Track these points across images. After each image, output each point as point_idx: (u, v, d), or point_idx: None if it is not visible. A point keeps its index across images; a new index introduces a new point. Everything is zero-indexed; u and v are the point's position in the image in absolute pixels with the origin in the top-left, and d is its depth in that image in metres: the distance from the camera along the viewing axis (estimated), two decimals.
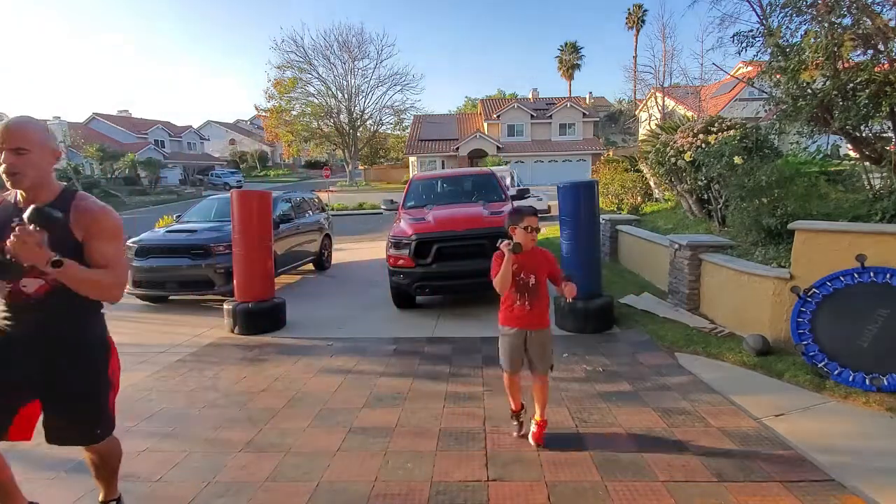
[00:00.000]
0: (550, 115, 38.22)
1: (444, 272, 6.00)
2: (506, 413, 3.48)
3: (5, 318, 1.91)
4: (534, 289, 2.91)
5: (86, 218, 1.90)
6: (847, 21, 5.17)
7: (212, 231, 7.23)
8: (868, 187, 5.74)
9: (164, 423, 3.55)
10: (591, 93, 59.34)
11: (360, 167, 45.23)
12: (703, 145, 7.54)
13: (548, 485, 2.63)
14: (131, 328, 6.15)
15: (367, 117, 42.60)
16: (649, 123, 26.34)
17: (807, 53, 5.24)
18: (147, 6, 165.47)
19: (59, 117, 38.18)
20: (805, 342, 3.83)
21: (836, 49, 5.07)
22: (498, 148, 36.38)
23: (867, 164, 5.76)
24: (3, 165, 1.76)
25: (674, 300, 5.97)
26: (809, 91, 5.47)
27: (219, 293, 6.76)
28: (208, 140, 57.40)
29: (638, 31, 44.33)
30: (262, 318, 5.79)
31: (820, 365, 3.71)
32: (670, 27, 55.03)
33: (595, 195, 5.45)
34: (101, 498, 2.35)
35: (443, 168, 34.45)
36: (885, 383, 3.41)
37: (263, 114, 44.08)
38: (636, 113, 37.97)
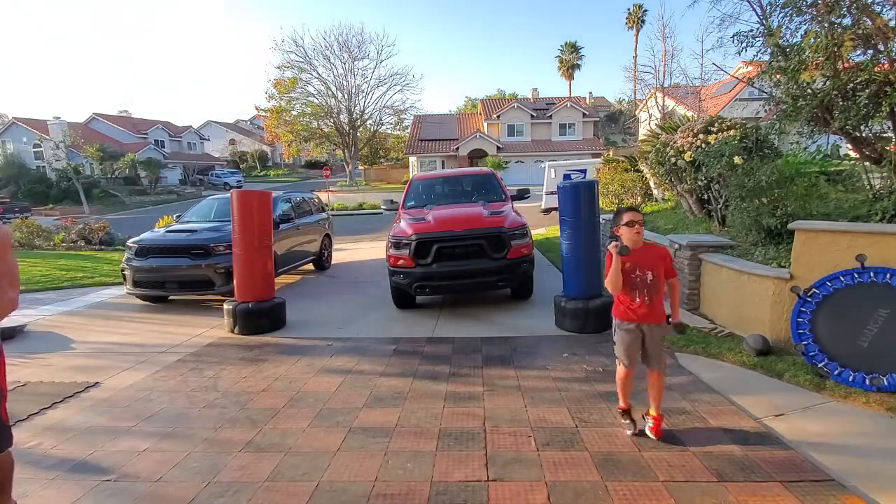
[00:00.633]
0: (550, 116, 38.25)
1: (444, 272, 6.00)
2: (505, 413, 3.48)
3: None
4: (652, 284, 2.96)
5: None
6: (847, 21, 5.16)
7: (212, 231, 7.23)
8: (868, 187, 5.74)
9: (164, 423, 3.55)
10: (591, 93, 59.47)
11: (360, 167, 45.22)
12: (703, 145, 7.53)
13: (548, 485, 2.63)
14: (131, 328, 6.15)
15: (367, 117, 42.61)
16: (649, 123, 26.35)
17: (807, 53, 5.23)
18: (148, 6, 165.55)
19: (59, 117, 38.15)
20: (805, 342, 3.83)
21: (836, 49, 5.06)
22: (498, 148, 36.40)
23: (867, 164, 5.76)
24: None
25: None
26: (809, 91, 5.47)
27: (219, 293, 6.76)
28: (208, 140, 57.41)
29: (638, 31, 44.34)
30: (262, 318, 5.79)
31: (820, 365, 3.71)
32: (670, 27, 55.08)
33: (595, 195, 5.45)
34: None
35: (443, 168, 34.46)
36: (885, 383, 3.41)
37: (263, 114, 44.05)
38: (636, 113, 37.97)
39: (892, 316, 3.55)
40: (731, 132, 7.29)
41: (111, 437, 3.38)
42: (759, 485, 2.56)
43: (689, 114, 18.27)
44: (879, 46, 5.10)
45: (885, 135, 5.91)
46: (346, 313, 6.49)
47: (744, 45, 5.98)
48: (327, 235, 9.97)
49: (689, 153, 7.78)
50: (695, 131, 7.97)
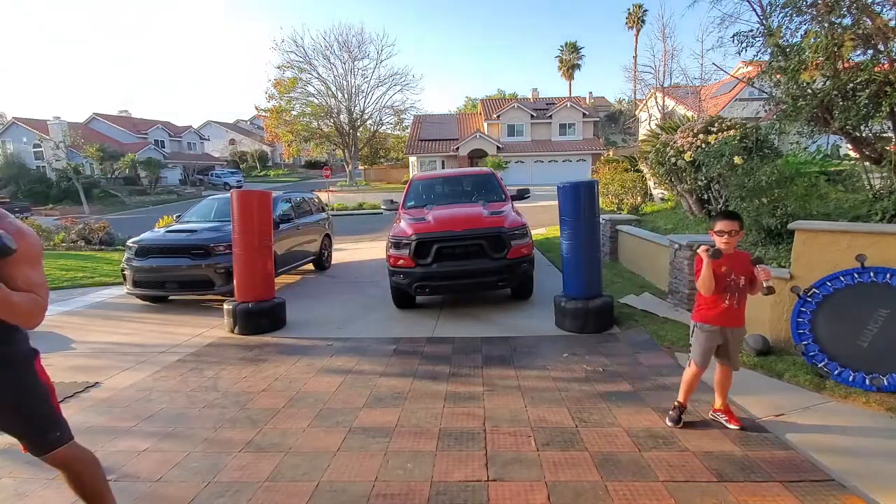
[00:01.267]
0: (550, 115, 38.23)
1: (444, 272, 5.99)
2: (505, 413, 3.48)
3: None
4: (742, 290, 3.02)
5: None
6: (847, 21, 5.17)
7: (212, 231, 7.23)
8: (868, 187, 5.75)
9: (164, 423, 3.55)
10: (591, 93, 59.46)
11: (360, 167, 45.21)
12: (703, 145, 7.54)
13: (548, 485, 2.63)
14: (131, 328, 6.15)
15: (367, 117, 42.60)
16: (649, 123, 26.34)
17: (807, 53, 5.24)
18: (148, 6, 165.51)
19: (59, 117, 38.15)
20: (805, 342, 3.83)
21: (836, 49, 5.07)
22: (498, 148, 36.39)
23: (867, 164, 5.76)
24: None
25: (674, 300, 5.97)
26: (809, 91, 5.47)
27: (219, 293, 6.76)
28: (208, 140, 57.41)
29: (638, 31, 44.35)
30: (262, 318, 5.79)
31: (820, 365, 3.71)
32: (670, 27, 55.18)
33: (595, 195, 5.44)
34: None
35: (443, 168, 34.46)
36: (885, 383, 3.41)
37: (263, 114, 44.04)
38: (636, 113, 37.97)
39: (892, 316, 3.55)
40: (731, 132, 7.30)
41: (111, 437, 3.37)
42: (759, 485, 2.56)
43: (689, 114, 18.26)
44: (879, 46, 5.10)
45: (885, 135, 5.91)
46: (346, 313, 6.49)
47: (744, 45, 5.98)
48: (327, 235, 9.97)
49: (689, 153, 7.79)
50: (695, 131, 7.98)
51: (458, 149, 36.09)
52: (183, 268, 6.79)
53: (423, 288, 6.11)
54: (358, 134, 42.90)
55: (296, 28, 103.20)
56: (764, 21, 5.93)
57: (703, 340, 3.11)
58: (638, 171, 14.07)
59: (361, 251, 12.15)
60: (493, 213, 6.43)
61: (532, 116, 38.25)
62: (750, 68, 8.88)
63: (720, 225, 2.98)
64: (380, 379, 4.23)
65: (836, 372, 3.62)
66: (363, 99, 41.86)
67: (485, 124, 38.52)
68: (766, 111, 6.92)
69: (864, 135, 5.65)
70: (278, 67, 40.18)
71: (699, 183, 7.69)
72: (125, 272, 7.00)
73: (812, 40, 5.20)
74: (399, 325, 5.91)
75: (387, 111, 42.79)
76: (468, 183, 8.13)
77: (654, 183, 11.73)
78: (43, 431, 2.04)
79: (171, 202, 32.68)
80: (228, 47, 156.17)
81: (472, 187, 7.89)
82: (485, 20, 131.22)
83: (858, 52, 5.32)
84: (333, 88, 40.81)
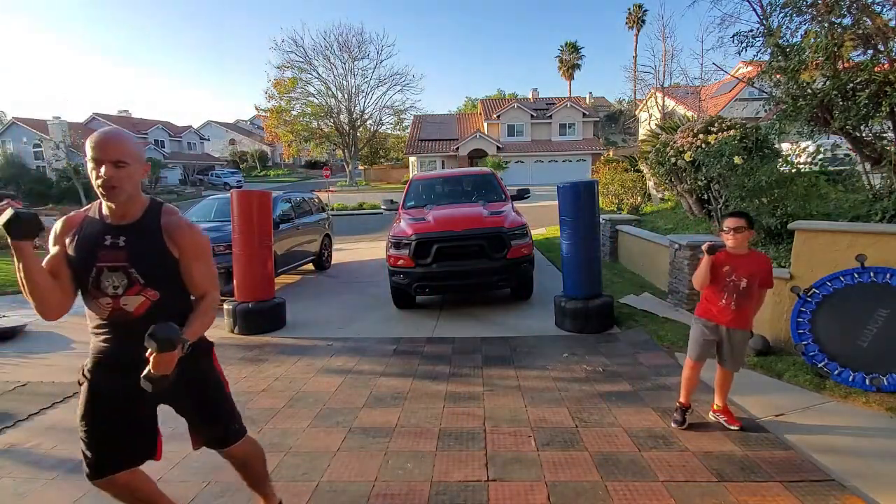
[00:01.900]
0: (550, 115, 38.22)
1: (444, 272, 5.99)
2: (505, 413, 3.48)
3: (106, 336, 1.84)
4: (744, 292, 2.98)
5: (183, 238, 1.83)
6: (847, 21, 5.17)
7: (212, 231, 7.22)
8: (868, 187, 5.74)
9: (163, 423, 3.54)
10: (591, 93, 59.41)
11: (360, 167, 45.21)
12: (703, 145, 7.53)
13: (548, 485, 2.63)
14: None
15: (367, 117, 42.60)
16: (649, 123, 26.34)
17: (807, 53, 5.24)
18: (148, 6, 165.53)
19: (59, 117, 38.12)
20: (805, 342, 3.83)
21: (836, 49, 5.07)
22: (498, 148, 36.39)
23: (867, 164, 5.76)
24: (102, 179, 1.66)
25: (674, 300, 5.97)
26: (809, 91, 5.47)
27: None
28: (208, 140, 57.38)
29: (638, 31, 44.31)
30: (262, 318, 5.79)
31: (820, 365, 3.71)
32: (670, 27, 55.27)
33: (595, 195, 5.44)
34: None
35: (443, 168, 34.46)
36: (885, 383, 3.41)
37: (263, 114, 44.02)
38: (636, 113, 37.95)
39: (892, 316, 3.55)
40: (731, 132, 7.30)
41: None
42: (759, 485, 2.56)
43: (689, 114, 18.25)
44: (879, 46, 5.10)
45: (884, 135, 5.91)
46: (346, 313, 6.49)
47: (744, 45, 5.99)
48: (327, 235, 9.97)
49: (689, 153, 7.79)
50: (695, 131, 7.98)
51: (458, 149, 36.08)
52: None
53: (422, 288, 6.11)
54: (358, 134, 42.90)
55: (296, 28, 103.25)
56: (764, 21, 5.93)
57: (696, 334, 3.14)
58: (638, 171, 14.08)
59: (361, 251, 12.15)
60: (493, 213, 6.43)
61: (532, 116, 38.23)
62: (750, 68, 8.89)
63: (727, 222, 3.01)
64: (380, 379, 4.23)
65: (836, 372, 3.62)
66: (363, 99, 41.91)
67: (485, 124, 38.51)
68: (766, 111, 6.92)
69: (864, 135, 5.65)
70: (278, 67, 40.22)
71: (699, 183, 7.69)
72: None
73: (812, 40, 5.20)
74: (399, 325, 5.91)
75: (387, 111, 42.84)
76: (468, 183, 8.13)
77: (654, 183, 11.72)
78: (228, 422, 2.07)
79: (171, 202, 32.60)
80: (228, 47, 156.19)
81: (472, 187, 7.89)
82: (485, 20, 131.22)
83: (858, 52, 5.32)
84: (333, 88, 40.85)
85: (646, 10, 44.65)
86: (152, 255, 1.78)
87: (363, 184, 40.13)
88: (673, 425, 3.18)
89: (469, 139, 36.48)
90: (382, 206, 8.27)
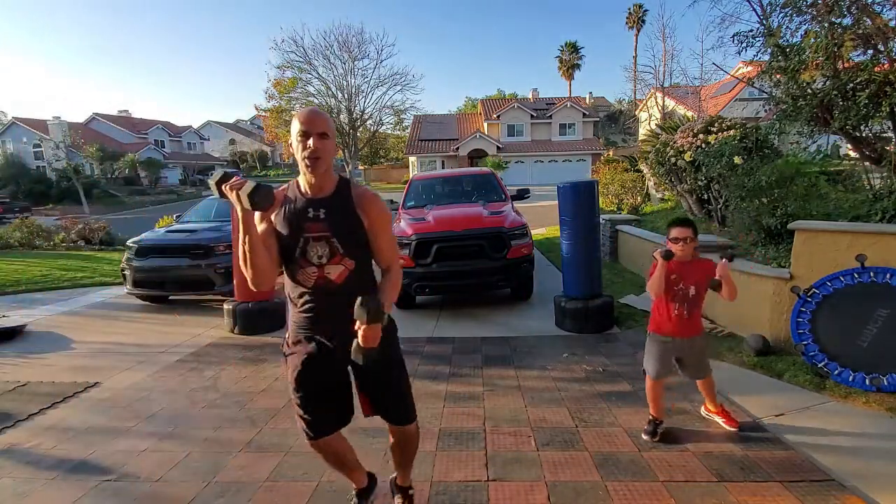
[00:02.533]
0: (550, 116, 38.24)
1: (444, 272, 6.00)
2: (505, 413, 3.49)
3: (310, 305, 1.95)
4: (693, 299, 2.96)
5: (373, 208, 1.96)
6: (847, 21, 5.16)
7: (212, 231, 7.22)
8: (868, 187, 5.74)
9: (164, 423, 3.55)
10: (591, 93, 59.44)
11: (360, 167, 45.18)
12: (703, 145, 7.53)
13: (548, 485, 2.63)
14: (131, 328, 6.15)
15: (367, 117, 42.56)
16: (649, 123, 26.34)
17: (807, 53, 5.23)
18: (148, 6, 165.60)
19: (59, 117, 38.15)
20: (805, 342, 3.83)
21: (836, 49, 5.07)
22: (498, 148, 36.40)
23: (867, 164, 5.76)
24: (310, 150, 1.83)
25: None
26: (809, 91, 5.47)
27: (219, 293, 6.76)
28: (208, 140, 57.43)
29: (638, 31, 44.33)
30: (262, 318, 5.78)
31: (820, 365, 3.71)
32: (670, 27, 55.17)
33: (595, 195, 5.44)
34: (399, 482, 2.42)
35: (443, 168, 34.46)
36: (885, 383, 3.41)
37: (263, 114, 43.94)
38: (636, 113, 37.95)
39: (892, 316, 3.55)
40: (731, 132, 7.29)
41: (111, 437, 3.37)
42: (759, 485, 2.56)
43: (690, 114, 18.25)
44: (879, 46, 5.10)
45: (884, 135, 5.91)
46: None
47: (744, 45, 5.98)
48: None
49: (689, 153, 7.79)
50: (695, 131, 7.97)
51: (458, 149, 36.10)
52: (183, 268, 6.78)
53: (422, 288, 6.11)
54: (358, 134, 42.87)
55: (296, 28, 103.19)
56: (764, 21, 5.93)
57: (653, 351, 3.06)
58: (638, 171, 14.08)
59: None
60: (493, 213, 6.43)
61: (532, 116, 38.25)
62: (750, 68, 8.89)
63: (674, 232, 2.93)
64: None
65: (835, 372, 3.62)
66: (363, 99, 41.79)
67: (485, 124, 38.52)
68: (766, 111, 6.92)
69: (864, 135, 5.64)
70: (278, 67, 40.10)
71: (699, 183, 7.68)
72: (125, 272, 6.99)
73: (812, 40, 5.20)
74: (399, 325, 5.87)
75: (387, 111, 42.75)
76: (468, 183, 8.13)
77: (654, 183, 11.72)
78: (411, 400, 2.16)
79: (171, 202, 32.68)
80: (228, 47, 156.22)
81: (472, 187, 7.90)
82: (485, 20, 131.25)
83: (858, 52, 5.31)
84: (333, 88, 40.76)
85: (646, 11, 44.70)
86: (349, 225, 1.91)
87: (363, 184, 40.05)
88: (644, 437, 3.06)
89: (469, 139, 36.50)
90: None
